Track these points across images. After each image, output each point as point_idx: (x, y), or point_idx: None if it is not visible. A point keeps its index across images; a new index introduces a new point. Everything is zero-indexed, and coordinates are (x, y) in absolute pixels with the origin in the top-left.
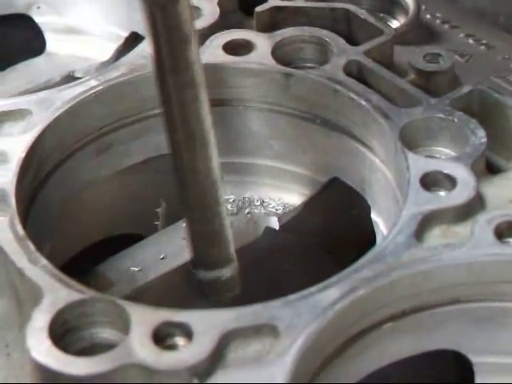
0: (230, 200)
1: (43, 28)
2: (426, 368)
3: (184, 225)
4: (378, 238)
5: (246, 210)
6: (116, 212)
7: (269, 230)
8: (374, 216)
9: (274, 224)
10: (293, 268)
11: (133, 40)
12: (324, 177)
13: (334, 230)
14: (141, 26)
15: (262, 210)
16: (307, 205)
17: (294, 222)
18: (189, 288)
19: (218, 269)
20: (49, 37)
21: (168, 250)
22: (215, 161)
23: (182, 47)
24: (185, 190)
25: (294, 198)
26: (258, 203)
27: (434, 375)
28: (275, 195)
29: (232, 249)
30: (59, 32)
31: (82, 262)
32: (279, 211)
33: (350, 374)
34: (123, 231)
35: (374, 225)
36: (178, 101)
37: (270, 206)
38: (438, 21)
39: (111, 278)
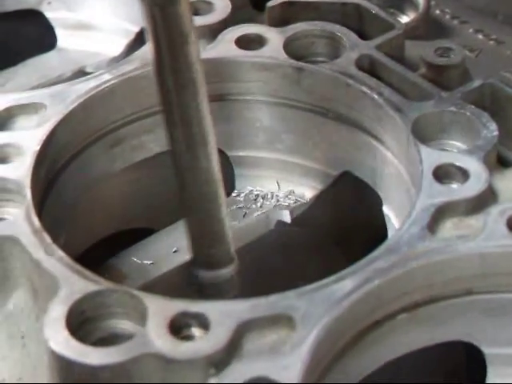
0: (242, 194)
1: (54, 23)
2: (436, 359)
3: None
4: (390, 231)
5: (258, 204)
6: (128, 206)
7: (280, 223)
8: (385, 209)
9: (286, 218)
10: (304, 261)
11: (143, 35)
12: (335, 171)
13: (345, 224)
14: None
15: (274, 204)
16: (318, 198)
17: (306, 215)
18: None
19: (218, 269)
20: (60, 32)
21: (180, 243)
22: (215, 160)
23: (181, 47)
24: (184, 190)
25: (305, 191)
26: (270, 197)
27: (444, 366)
28: (286, 189)
29: (232, 249)
30: (70, 27)
31: (95, 256)
32: (290, 205)
33: (364, 364)
34: (135, 225)
35: (386, 218)
36: (178, 100)
37: (282, 199)
38: (447, 16)
39: (124, 271)
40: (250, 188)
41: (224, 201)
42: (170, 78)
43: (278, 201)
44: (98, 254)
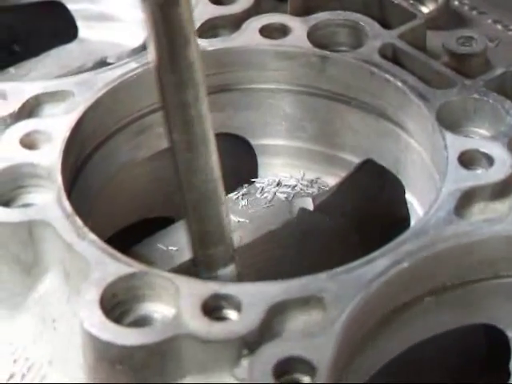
0: (265, 182)
1: (75, 15)
2: (457, 343)
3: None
4: (413, 218)
5: (280, 192)
6: (152, 194)
7: (303, 211)
8: (408, 196)
9: (308, 205)
10: (326, 249)
11: None
12: (358, 158)
13: (366, 211)
14: None
15: (296, 192)
16: (340, 186)
17: (328, 203)
18: None
19: (217, 269)
20: (81, 23)
21: None
22: (215, 160)
23: (181, 47)
24: (184, 190)
25: (328, 179)
26: (292, 185)
27: (464, 350)
28: (309, 177)
29: (232, 249)
30: (91, 18)
31: (117, 244)
32: (313, 193)
33: (393, 345)
34: (158, 214)
35: (409, 205)
36: (178, 100)
37: (304, 187)
38: (465, 7)
39: (149, 257)
40: (273, 176)
41: (224, 201)
42: (170, 78)
43: (300, 189)
44: (120, 242)
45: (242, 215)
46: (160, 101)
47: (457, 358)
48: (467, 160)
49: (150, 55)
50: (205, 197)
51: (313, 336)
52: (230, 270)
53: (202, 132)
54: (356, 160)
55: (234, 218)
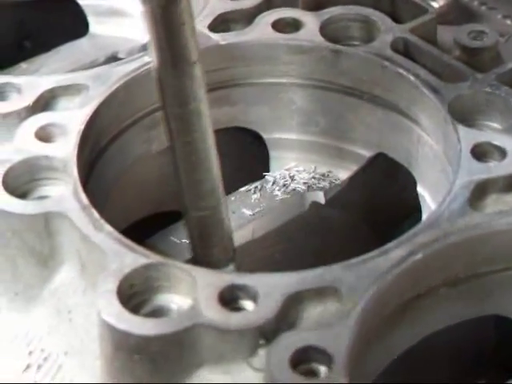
0: (276, 176)
1: (86, 10)
2: (467, 334)
3: (232, 198)
4: (424, 211)
5: (292, 186)
6: (165, 188)
7: (315, 204)
8: (420, 190)
9: (320, 199)
10: (338, 242)
11: None
12: (370, 152)
13: (378, 205)
14: None
15: (308, 186)
16: (352, 180)
17: (339, 197)
18: None
19: (217, 268)
20: (92, 19)
21: None
22: (215, 160)
23: (182, 47)
24: (184, 189)
25: (339, 173)
26: (304, 178)
27: (474, 341)
28: (320, 170)
29: (232, 249)
30: (102, 14)
31: (132, 237)
32: (325, 187)
33: (407, 337)
34: (171, 208)
35: (420, 198)
36: (178, 100)
37: (316, 181)
38: (475, 2)
39: (162, 250)
40: (285, 170)
41: (224, 201)
42: (170, 77)
43: (312, 182)
44: (134, 235)
45: (254, 209)
46: (160, 100)
47: (465, 351)
48: (480, 153)
49: (151, 55)
50: (204, 197)
51: (329, 326)
52: (230, 269)
53: (202, 131)
54: (367, 154)
55: (246, 212)
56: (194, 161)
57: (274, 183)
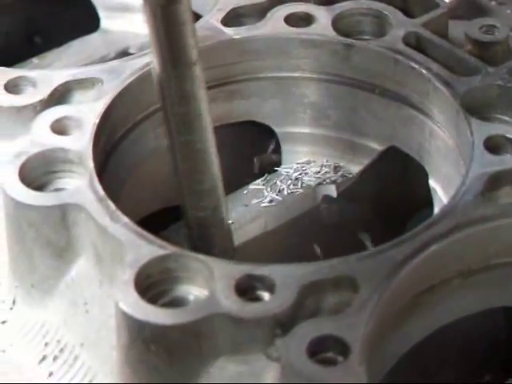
0: (289, 169)
1: (97, 5)
2: (478, 326)
3: (245, 192)
4: (436, 204)
5: (304, 179)
6: (173, 184)
7: (327, 198)
8: (431, 183)
9: (332, 192)
10: (350, 235)
11: None
12: (382, 146)
13: (390, 198)
14: (193, 2)
15: (320, 179)
16: (363, 174)
17: (351, 190)
18: None
19: None
20: (102, 14)
21: (233, 216)
22: (215, 159)
23: (182, 47)
24: (183, 189)
25: (351, 166)
26: (316, 172)
27: (484, 333)
28: (333, 164)
29: (232, 248)
30: (112, 9)
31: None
32: (337, 180)
33: (422, 326)
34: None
35: (432, 191)
36: (178, 100)
37: (328, 174)
38: None
39: (177, 243)
40: (297, 163)
41: (224, 200)
42: (170, 77)
43: (324, 176)
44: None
45: (266, 202)
46: (160, 100)
47: (477, 343)
48: (493, 145)
49: (151, 55)
50: (204, 196)
51: (345, 315)
52: None
53: (202, 131)
54: (379, 147)
55: (258, 205)
56: (194, 161)
57: (286, 177)
